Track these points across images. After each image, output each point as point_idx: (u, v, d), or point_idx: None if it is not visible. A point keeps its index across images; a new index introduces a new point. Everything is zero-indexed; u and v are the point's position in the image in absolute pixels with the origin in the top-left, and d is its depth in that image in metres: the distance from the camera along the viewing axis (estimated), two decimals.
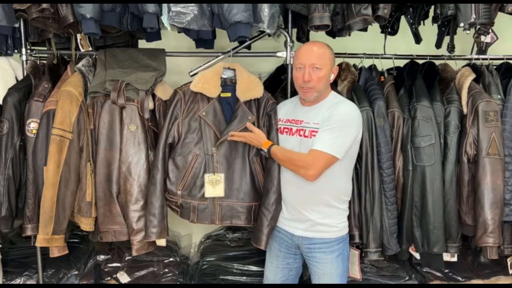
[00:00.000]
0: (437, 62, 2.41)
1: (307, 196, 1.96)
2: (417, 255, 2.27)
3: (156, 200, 2.06)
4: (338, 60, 2.34)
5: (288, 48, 2.28)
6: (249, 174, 2.12)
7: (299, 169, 1.89)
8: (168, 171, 2.11)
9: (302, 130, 1.98)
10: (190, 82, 2.16)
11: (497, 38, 2.38)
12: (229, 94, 2.16)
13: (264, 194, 2.08)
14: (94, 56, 2.24)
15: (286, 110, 2.11)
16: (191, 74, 2.28)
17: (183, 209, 2.13)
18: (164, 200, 2.11)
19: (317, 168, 1.85)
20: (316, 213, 1.97)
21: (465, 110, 2.20)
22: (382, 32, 2.62)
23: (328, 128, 1.87)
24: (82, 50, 2.36)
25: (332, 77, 1.99)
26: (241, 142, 2.10)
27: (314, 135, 1.91)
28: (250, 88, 2.15)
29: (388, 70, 2.49)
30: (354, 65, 2.37)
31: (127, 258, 2.73)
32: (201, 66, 2.28)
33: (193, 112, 2.12)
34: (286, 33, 2.28)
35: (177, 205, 2.13)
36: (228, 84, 2.17)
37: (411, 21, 2.45)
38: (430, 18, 2.33)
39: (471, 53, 2.47)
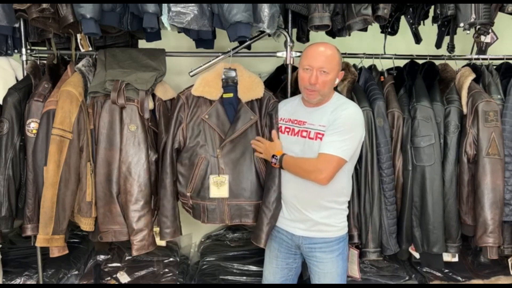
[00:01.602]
0: (437, 62, 2.41)
1: (308, 196, 1.97)
2: (417, 255, 2.27)
3: (167, 202, 2.12)
4: None
5: (288, 48, 2.28)
6: (254, 173, 2.13)
7: (310, 173, 1.89)
8: (178, 175, 2.16)
9: (306, 131, 1.98)
10: (192, 85, 2.17)
11: (497, 38, 2.38)
12: (231, 95, 2.17)
13: (265, 192, 2.08)
14: (94, 56, 2.24)
15: (288, 109, 2.11)
16: (191, 74, 2.28)
17: (194, 210, 2.19)
18: (175, 202, 2.17)
19: (328, 172, 1.86)
20: (317, 213, 1.97)
21: (465, 110, 2.20)
22: (382, 32, 2.62)
23: (336, 132, 1.88)
24: (82, 50, 2.35)
25: (337, 81, 1.99)
26: (245, 142, 2.11)
27: (320, 138, 1.91)
28: (251, 88, 2.15)
29: (388, 70, 2.49)
30: (354, 65, 2.36)
31: (127, 258, 2.73)
32: (201, 66, 2.28)
33: (197, 115, 2.14)
34: (286, 33, 2.28)
35: (189, 206, 2.19)
36: (230, 85, 2.18)
37: (411, 21, 2.45)
38: (430, 18, 2.33)
39: (471, 53, 2.47)
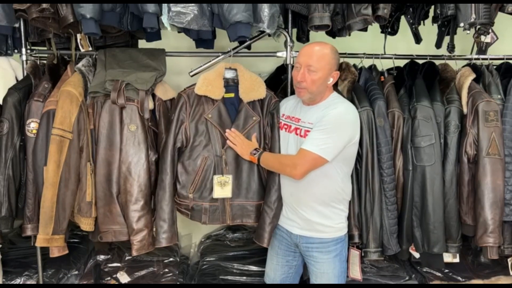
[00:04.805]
0: (437, 62, 2.41)
1: (303, 195, 1.97)
2: (417, 255, 2.27)
3: (166, 205, 2.07)
4: None
5: (288, 48, 2.28)
6: (256, 173, 2.13)
7: (285, 167, 1.91)
8: (178, 175, 2.12)
9: (299, 129, 1.98)
10: (193, 84, 2.17)
11: (497, 38, 2.37)
12: (232, 95, 2.17)
13: (267, 192, 2.09)
14: (94, 56, 2.24)
15: (289, 106, 2.12)
16: (191, 74, 2.28)
17: (194, 212, 2.14)
18: (174, 205, 2.12)
19: (303, 168, 1.86)
20: (312, 212, 1.97)
21: (465, 110, 2.20)
22: (382, 32, 2.62)
23: (319, 129, 1.87)
24: (82, 50, 2.35)
25: (331, 81, 1.95)
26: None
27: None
28: (253, 88, 2.15)
29: (388, 70, 2.49)
30: (354, 65, 2.36)
31: (127, 258, 2.73)
32: (201, 66, 2.28)
33: (199, 114, 2.13)
34: (286, 33, 2.28)
35: (188, 208, 2.14)
36: (231, 85, 2.18)
37: (411, 21, 2.45)
38: (430, 18, 2.33)
39: (471, 53, 2.47)
